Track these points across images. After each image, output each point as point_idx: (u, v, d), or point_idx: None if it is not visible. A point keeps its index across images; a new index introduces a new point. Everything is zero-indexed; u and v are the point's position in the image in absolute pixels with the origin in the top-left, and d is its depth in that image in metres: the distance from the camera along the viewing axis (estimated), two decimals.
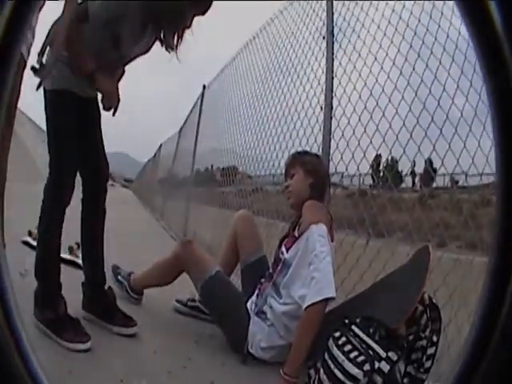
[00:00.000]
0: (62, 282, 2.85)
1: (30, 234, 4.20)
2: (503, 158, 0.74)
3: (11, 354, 0.78)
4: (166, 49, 2.91)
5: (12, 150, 2.96)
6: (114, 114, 2.88)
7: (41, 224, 2.79)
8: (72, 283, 3.09)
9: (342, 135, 3.55)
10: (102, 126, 3.05)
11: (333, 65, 3.81)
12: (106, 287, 3.18)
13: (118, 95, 2.87)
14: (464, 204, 3.30)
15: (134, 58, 3.03)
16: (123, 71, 3.14)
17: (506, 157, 0.74)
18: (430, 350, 2.29)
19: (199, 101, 9.46)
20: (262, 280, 3.21)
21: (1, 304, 0.78)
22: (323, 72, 3.91)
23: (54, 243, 2.81)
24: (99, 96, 2.84)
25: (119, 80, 3.11)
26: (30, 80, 2.72)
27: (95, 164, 3.06)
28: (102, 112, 2.92)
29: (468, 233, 3.12)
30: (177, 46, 2.89)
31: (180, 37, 2.87)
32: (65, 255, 4.02)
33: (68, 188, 2.75)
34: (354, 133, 3.44)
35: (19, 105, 2.89)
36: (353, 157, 3.42)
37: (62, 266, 2.91)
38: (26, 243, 4.21)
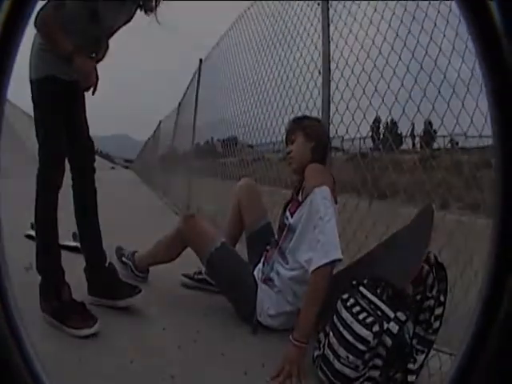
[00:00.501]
0: (67, 270, 2.87)
1: (32, 226, 4.12)
2: (499, 122, 0.75)
3: (10, 350, 0.78)
4: (146, 12, 2.92)
5: (9, 145, 2.97)
6: (93, 94, 2.87)
7: (37, 211, 2.81)
8: (77, 270, 3.13)
9: (341, 98, 3.54)
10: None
11: (329, 29, 3.79)
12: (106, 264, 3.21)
13: (97, 74, 2.84)
14: (464, 165, 3.30)
15: (117, 29, 3.04)
16: (107, 46, 3.12)
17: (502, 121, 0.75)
18: (438, 310, 2.30)
19: (196, 75, 9.44)
20: (268, 247, 3.22)
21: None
22: (319, 37, 3.90)
23: (52, 227, 2.83)
24: (78, 76, 2.80)
25: (104, 55, 3.11)
26: (25, 73, 2.74)
27: (82, 146, 3.07)
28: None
29: (469, 194, 3.13)
30: (156, 7, 2.90)
31: None
32: (69, 242, 4.08)
33: (59, 171, 2.77)
34: (353, 95, 3.43)
35: (14, 99, 2.90)
36: (353, 119, 3.41)
37: (68, 255, 2.92)
38: (30, 236, 4.19)
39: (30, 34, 2.69)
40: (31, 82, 2.78)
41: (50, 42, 2.68)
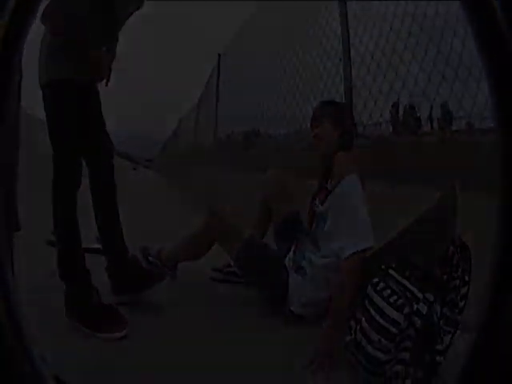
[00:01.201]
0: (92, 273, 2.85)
1: (53, 232, 4.08)
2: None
3: (14, 350, 0.80)
4: None
5: (31, 158, 2.92)
6: (106, 84, 2.93)
7: (55, 214, 2.80)
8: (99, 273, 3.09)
9: (363, 84, 3.56)
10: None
11: (346, 16, 3.82)
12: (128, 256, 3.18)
13: (109, 65, 2.90)
14: (482, 147, 3.30)
15: (128, 16, 3.02)
16: (117, 37, 3.13)
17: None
18: (463, 290, 2.28)
19: (215, 70, 9.45)
20: (298, 236, 3.23)
21: (4, 301, 0.79)
22: (338, 24, 3.91)
23: (73, 230, 2.82)
24: (91, 70, 2.81)
25: (115, 48, 3.13)
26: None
27: (98, 143, 3.04)
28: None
29: (487, 176, 3.13)
30: None
31: None
32: (92, 245, 4.04)
33: (75, 173, 2.78)
34: (374, 81, 3.45)
35: (38, 113, 2.88)
36: (375, 104, 3.43)
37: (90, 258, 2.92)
38: (51, 242, 4.14)
39: (36, 38, 2.66)
40: (43, 85, 2.76)
41: (61, 36, 2.67)
